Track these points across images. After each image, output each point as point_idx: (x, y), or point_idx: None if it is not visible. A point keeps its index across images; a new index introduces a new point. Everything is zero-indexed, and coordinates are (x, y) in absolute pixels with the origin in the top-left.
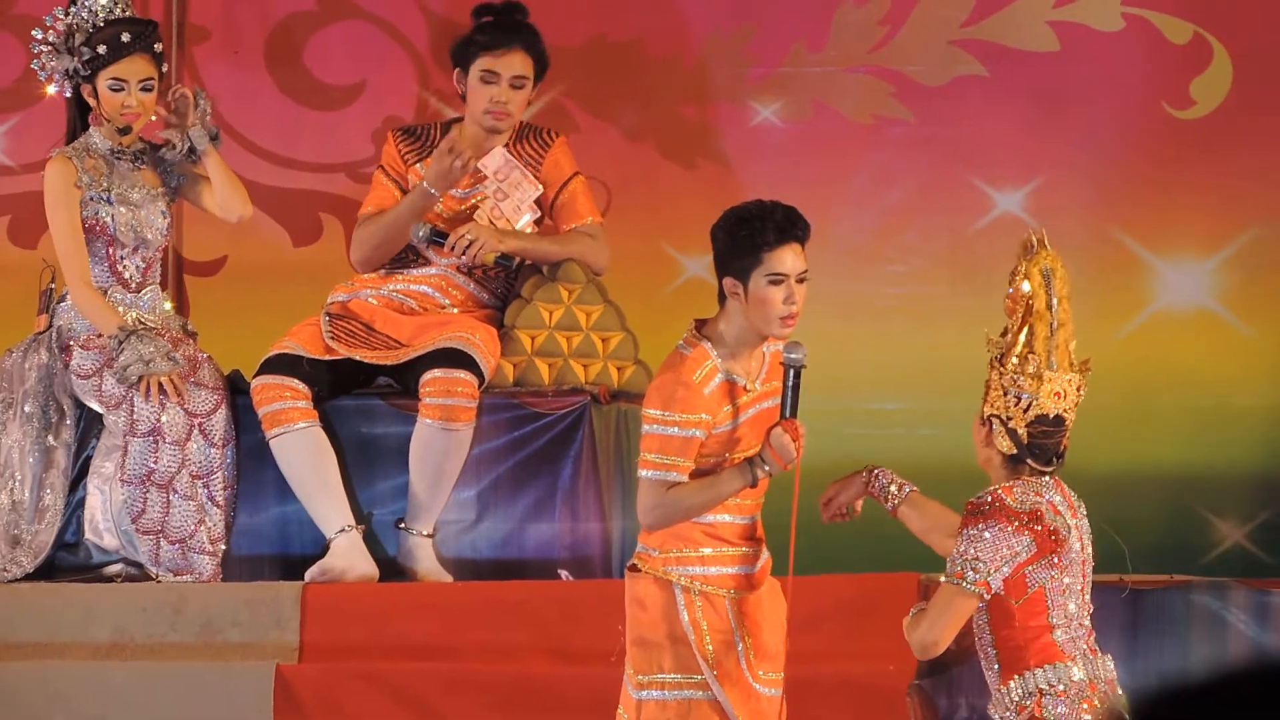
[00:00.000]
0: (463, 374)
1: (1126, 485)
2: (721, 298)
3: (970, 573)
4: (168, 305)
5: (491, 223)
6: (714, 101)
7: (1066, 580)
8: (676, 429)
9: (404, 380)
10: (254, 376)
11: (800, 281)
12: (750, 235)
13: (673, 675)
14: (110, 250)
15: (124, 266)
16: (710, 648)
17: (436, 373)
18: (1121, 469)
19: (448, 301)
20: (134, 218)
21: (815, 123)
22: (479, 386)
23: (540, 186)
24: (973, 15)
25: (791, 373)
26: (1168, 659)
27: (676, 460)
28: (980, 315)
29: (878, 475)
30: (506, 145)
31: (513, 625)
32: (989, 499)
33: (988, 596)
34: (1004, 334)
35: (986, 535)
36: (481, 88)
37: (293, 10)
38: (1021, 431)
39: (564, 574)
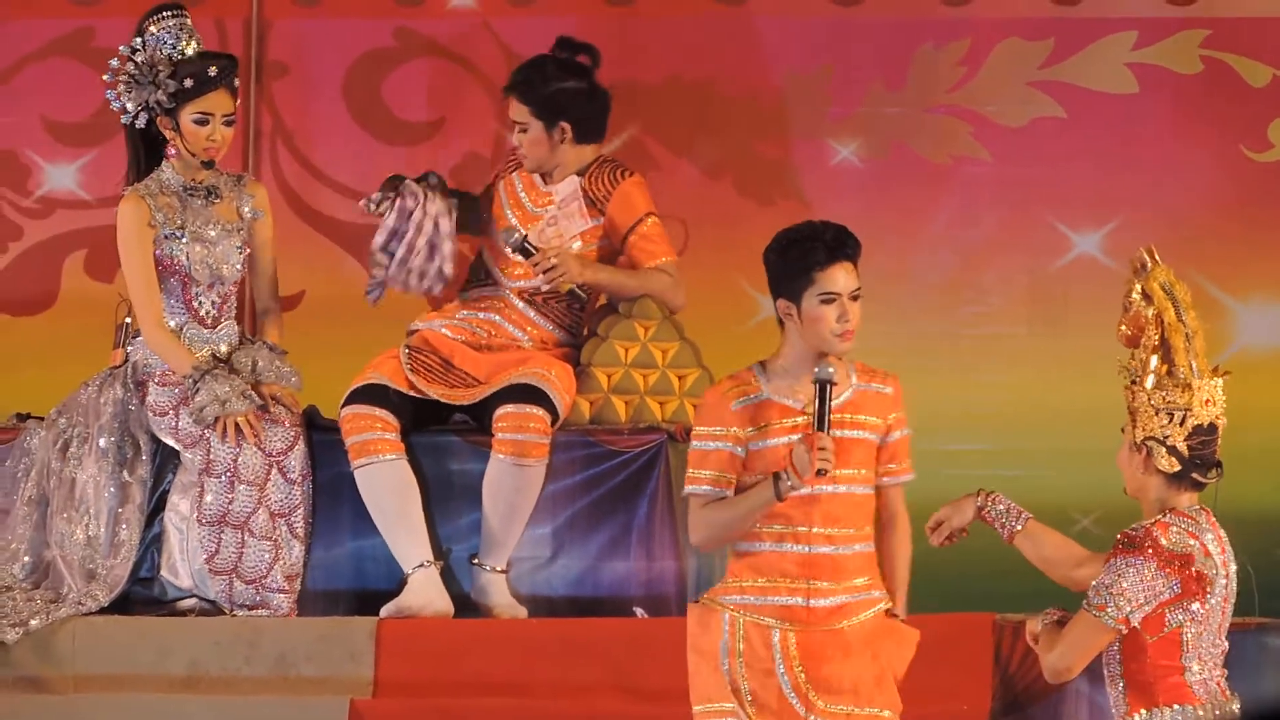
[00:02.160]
0: (535, 409)
1: None
2: (781, 323)
3: (1112, 608)
4: None
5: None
6: (793, 140)
7: (1206, 622)
8: (704, 442)
9: (479, 416)
10: (343, 405)
11: (854, 299)
12: (801, 256)
13: (714, 705)
14: (186, 287)
15: (200, 303)
16: (744, 675)
17: (509, 408)
18: None
19: (522, 335)
20: (209, 254)
21: (894, 162)
22: (552, 423)
23: (589, 222)
24: (1051, 57)
25: (821, 387)
26: (1244, 701)
27: (709, 474)
28: (1060, 355)
29: (994, 500)
30: (582, 174)
31: (587, 663)
32: (1143, 534)
33: (1125, 631)
34: (1132, 358)
35: (1134, 571)
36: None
37: (371, 47)
38: (1182, 446)
39: (639, 612)
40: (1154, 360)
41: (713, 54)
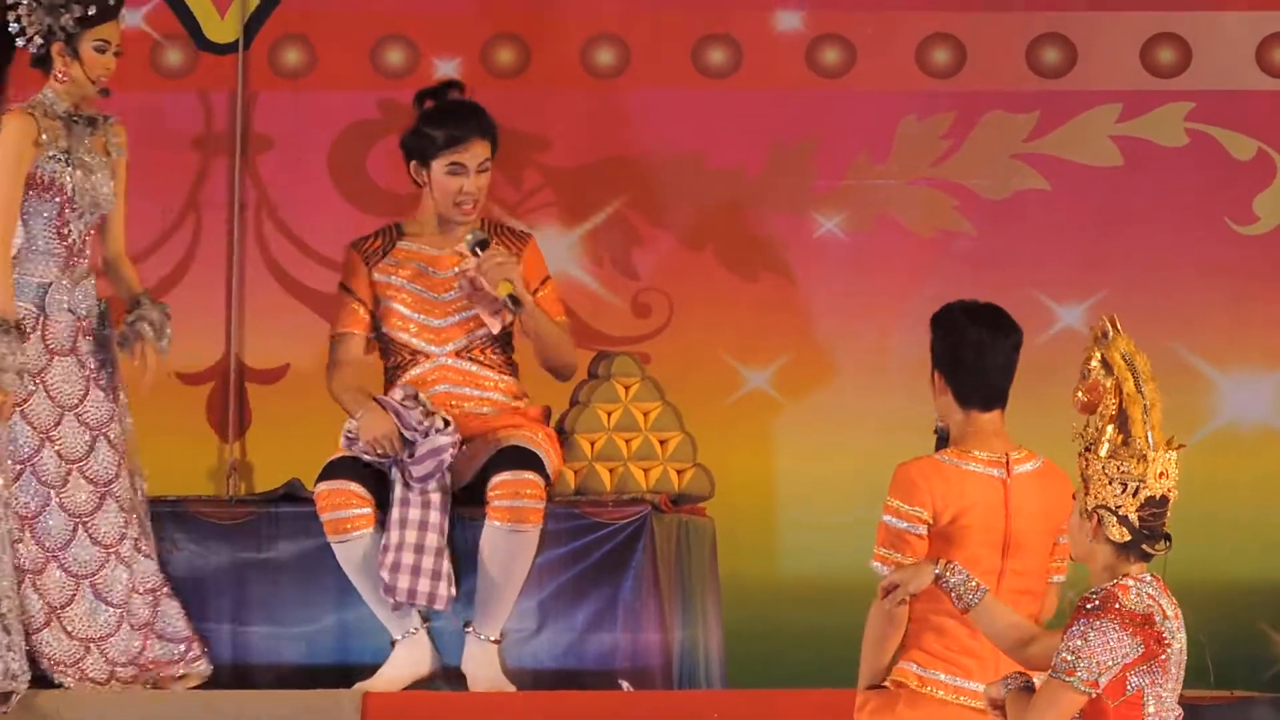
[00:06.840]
0: (530, 475)
1: (1189, 599)
2: None
3: (1082, 670)
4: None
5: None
6: (776, 213)
7: (1165, 686)
8: None
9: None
10: (316, 481)
11: None
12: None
13: None
14: (61, 211)
15: (69, 229)
16: None
17: (505, 475)
18: (1184, 583)
19: (477, 391)
20: (88, 182)
21: (878, 235)
22: (545, 487)
23: (520, 266)
24: (1036, 130)
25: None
26: None
27: None
28: (1043, 430)
29: (952, 570)
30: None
31: None
32: (1104, 596)
33: (1094, 694)
34: (1086, 426)
35: (1098, 633)
36: (449, 180)
37: (356, 119)
38: (1133, 517)
39: (624, 685)
40: (1109, 429)
41: (697, 127)
